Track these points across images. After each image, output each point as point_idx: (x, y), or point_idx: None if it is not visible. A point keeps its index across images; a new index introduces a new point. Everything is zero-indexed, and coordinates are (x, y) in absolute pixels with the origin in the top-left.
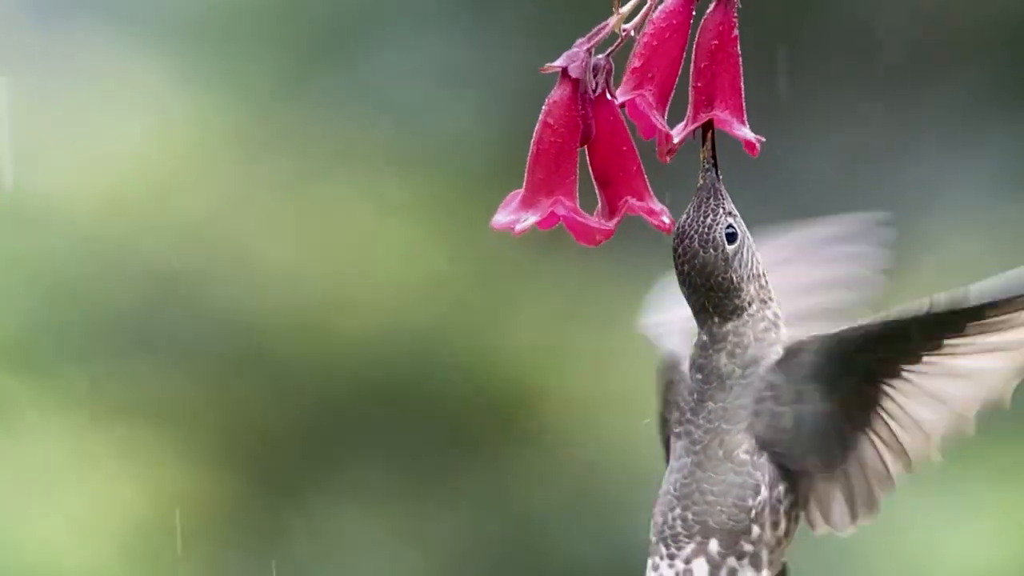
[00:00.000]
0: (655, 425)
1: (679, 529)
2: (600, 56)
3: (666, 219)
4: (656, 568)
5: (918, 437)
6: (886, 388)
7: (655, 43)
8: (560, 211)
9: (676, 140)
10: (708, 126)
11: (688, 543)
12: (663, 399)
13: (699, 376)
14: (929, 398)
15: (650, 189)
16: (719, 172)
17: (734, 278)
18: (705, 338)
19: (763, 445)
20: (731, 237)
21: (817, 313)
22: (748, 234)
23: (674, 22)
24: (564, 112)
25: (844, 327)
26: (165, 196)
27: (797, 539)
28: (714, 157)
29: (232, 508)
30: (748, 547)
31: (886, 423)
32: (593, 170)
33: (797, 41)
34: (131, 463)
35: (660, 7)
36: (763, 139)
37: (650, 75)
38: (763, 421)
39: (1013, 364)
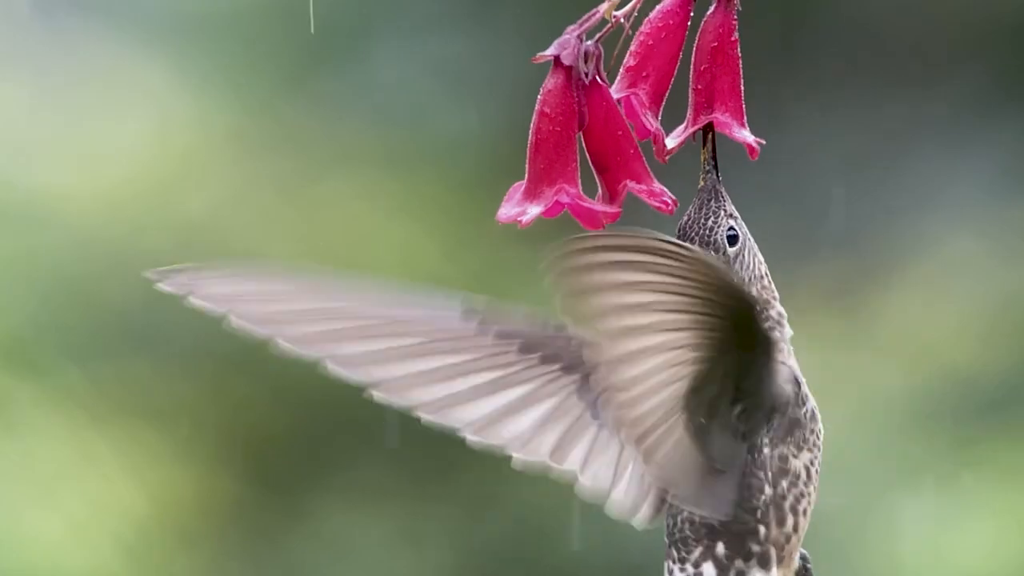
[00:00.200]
0: None
1: (687, 532)
2: (590, 43)
3: (667, 199)
4: (670, 572)
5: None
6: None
7: (651, 42)
8: (564, 199)
9: (676, 143)
10: (709, 128)
11: (696, 546)
12: None
13: None
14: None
15: (649, 171)
16: (720, 174)
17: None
18: None
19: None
20: (732, 239)
21: None
22: (749, 236)
23: (671, 22)
24: (559, 100)
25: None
26: (165, 196)
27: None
28: (715, 159)
29: (232, 508)
30: (756, 547)
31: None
32: (590, 156)
33: (797, 42)
34: (131, 463)
35: (658, 7)
36: (763, 142)
37: (644, 74)
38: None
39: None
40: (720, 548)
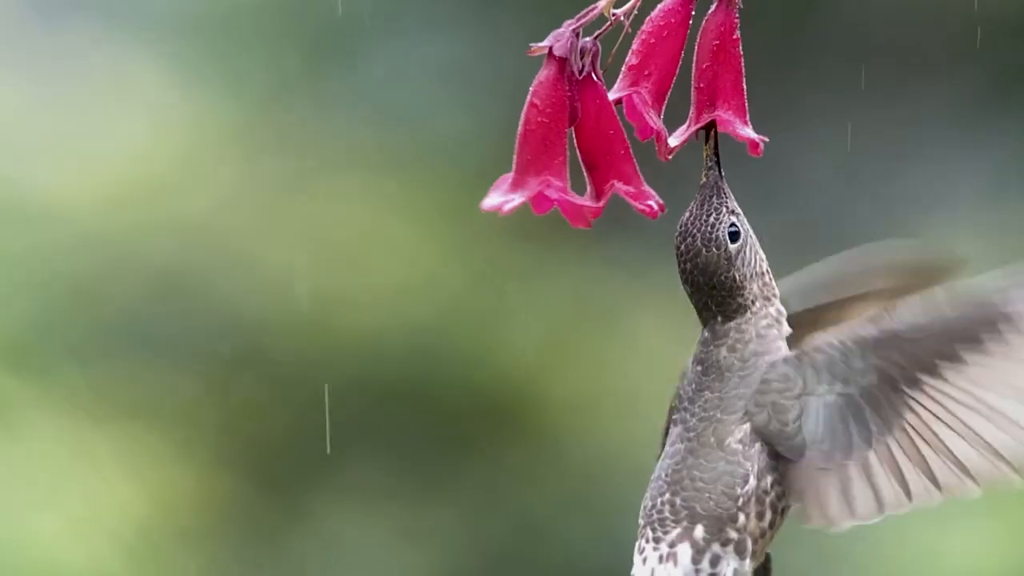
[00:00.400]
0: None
1: (667, 514)
2: (587, 39)
3: (653, 204)
4: (641, 551)
5: (948, 465)
6: (909, 399)
7: (653, 41)
8: (550, 193)
9: (679, 141)
10: (711, 125)
11: (674, 527)
12: (675, 395)
13: (699, 368)
14: (962, 427)
15: (639, 172)
16: (722, 170)
17: (737, 277)
18: (708, 335)
19: (761, 436)
20: (734, 236)
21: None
22: (751, 232)
23: (672, 20)
24: (550, 92)
25: (867, 326)
26: (165, 196)
27: (798, 539)
28: (717, 156)
29: (232, 508)
30: (733, 534)
31: (909, 436)
32: (580, 153)
33: (797, 41)
34: (131, 463)
35: (660, 5)
36: (766, 139)
37: (646, 73)
38: (765, 412)
39: None
40: (699, 531)
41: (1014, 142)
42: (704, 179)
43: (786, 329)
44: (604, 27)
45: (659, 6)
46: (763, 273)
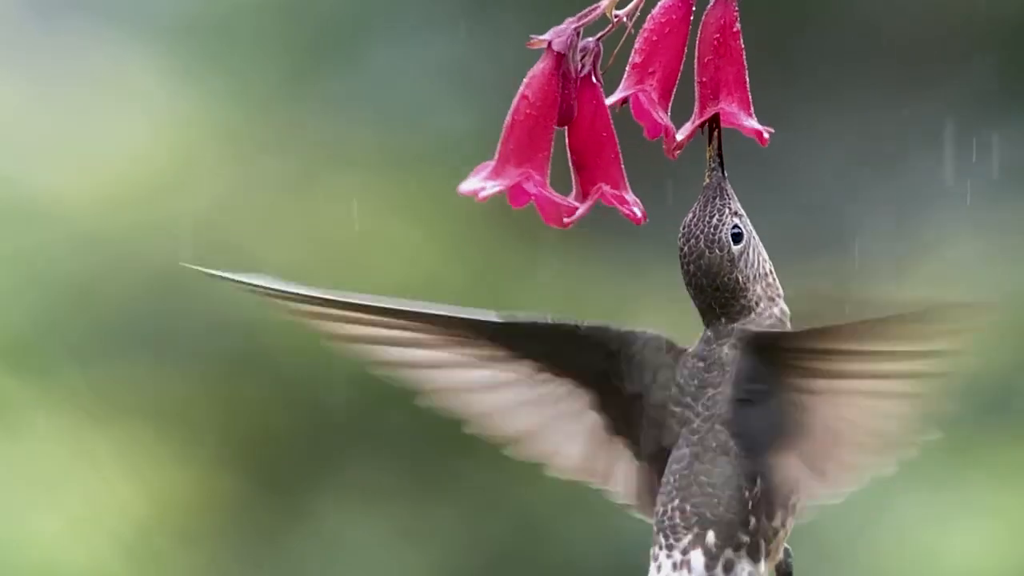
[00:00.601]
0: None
1: (677, 520)
2: (590, 39)
3: (637, 210)
4: (655, 558)
5: (873, 441)
6: (817, 389)
7: (655, 38)
8: (529, 187)
9: (684, 135)
10: (714, 125)
11: (686, 534)
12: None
13: (700, 364)
14: (868, 409)
15: (625, 178)
16: (725, 171)
17: (740, 279)
18: (710, 334)
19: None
20: (737, 237)
21: None
22: (754, 233)
23: (674, 17)
24: (542, 85)
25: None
26: (165, 196)
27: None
28: (720, 156)
29: (232, 508)
30: (745, 538)
31: (833, 420)
32: (571, 152)
33: (797, 42)
34: (131, 463)
35: (660, 3)
36: (772, 130)
37: (651, 71)
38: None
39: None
40: (710, 536)
41: (1014, 142)
42: (707, 180)
43: (789, 328)
44: (607, 29)
45: (660, 3)
46: (766, 274)
